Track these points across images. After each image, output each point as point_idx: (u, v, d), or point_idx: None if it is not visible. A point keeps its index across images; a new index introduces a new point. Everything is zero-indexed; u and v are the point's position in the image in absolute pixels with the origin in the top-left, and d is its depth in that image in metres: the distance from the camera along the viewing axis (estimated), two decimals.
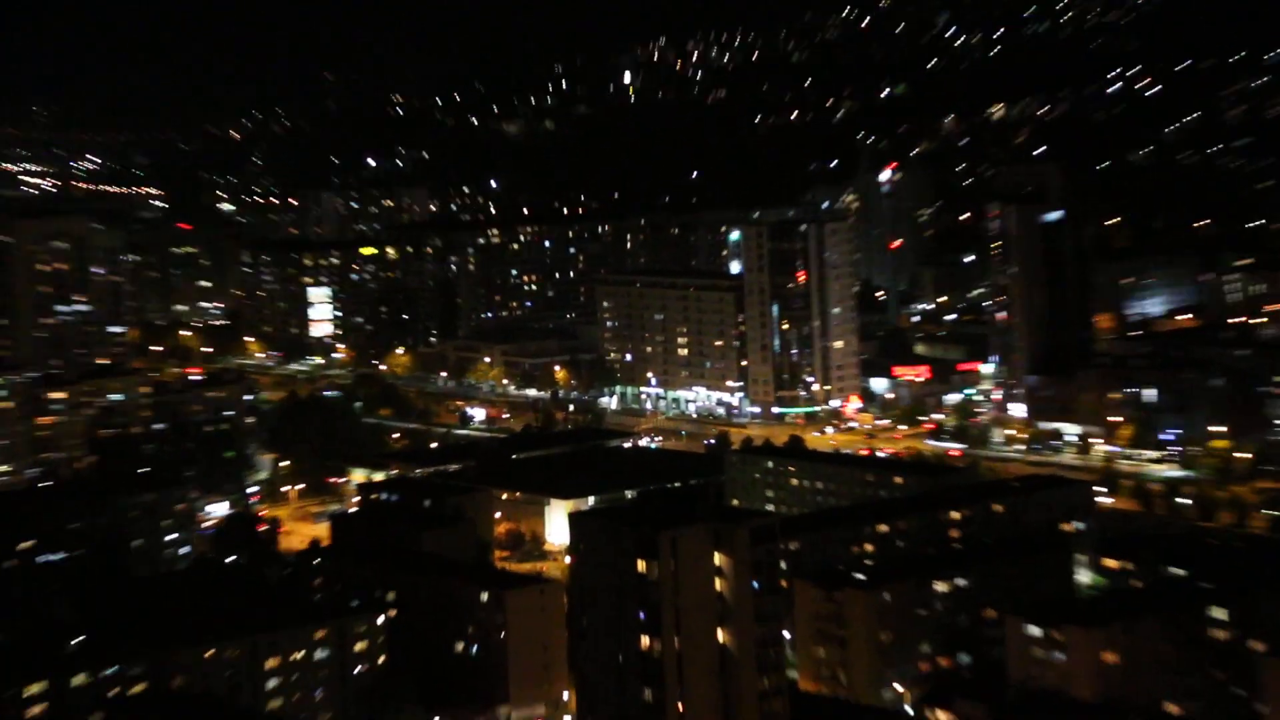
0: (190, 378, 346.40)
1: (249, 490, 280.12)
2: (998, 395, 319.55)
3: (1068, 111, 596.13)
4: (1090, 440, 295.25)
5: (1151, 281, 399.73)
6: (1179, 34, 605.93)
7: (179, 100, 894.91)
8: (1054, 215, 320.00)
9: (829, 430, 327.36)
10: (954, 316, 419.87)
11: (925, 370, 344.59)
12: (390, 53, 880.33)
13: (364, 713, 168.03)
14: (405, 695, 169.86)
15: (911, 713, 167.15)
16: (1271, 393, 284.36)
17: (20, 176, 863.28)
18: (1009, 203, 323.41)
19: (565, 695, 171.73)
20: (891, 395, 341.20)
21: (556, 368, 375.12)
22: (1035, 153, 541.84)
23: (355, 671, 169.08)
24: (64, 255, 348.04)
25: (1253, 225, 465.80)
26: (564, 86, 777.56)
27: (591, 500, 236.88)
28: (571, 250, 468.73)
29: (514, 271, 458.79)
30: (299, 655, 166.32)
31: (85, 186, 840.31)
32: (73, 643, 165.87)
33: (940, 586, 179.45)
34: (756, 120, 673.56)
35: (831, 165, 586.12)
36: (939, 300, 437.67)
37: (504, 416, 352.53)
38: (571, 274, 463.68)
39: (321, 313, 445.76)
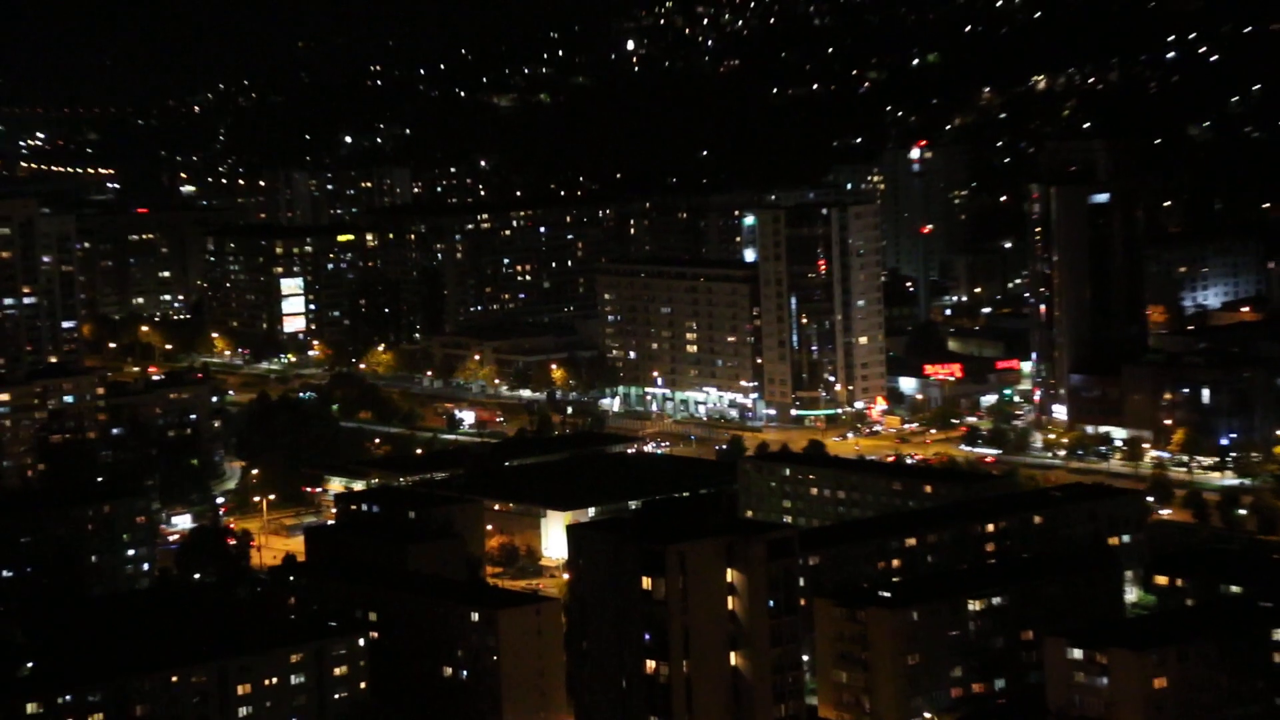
0: (150, 377, 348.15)
1: (216, 501, 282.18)
2: (1038, 396, 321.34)
3: (1118, 81, 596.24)
4: (1140, 445, 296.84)
5: (1209, 270, 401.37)
6: None
7: (135, 71, 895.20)
8: (1101, 197, 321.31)
9: (852, 435, 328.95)
10: (990, 309, 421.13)
11: (958, 369, 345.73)
12: (368, 19, 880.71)
13: None
14: None
15: None
16: None
17: None
18: (1051, 183, 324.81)
19: None
20: (921, 396, 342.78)
21: (553, 366, 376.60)
22: (1082, 128, 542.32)
23: (334, 698, 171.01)
24: (8, 242, 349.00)
25: None
26: (560, 55, 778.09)
27: (592, 511, 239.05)
28: (569, 237, 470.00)
29: (506, 260, 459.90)
30: (273, 681, 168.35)
31: (31, 166, 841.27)
32: (24, 668, 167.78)
33: (974, 605, 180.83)
34: (773, 92, 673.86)
35: (856, 142, 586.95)
36: (974, 291, 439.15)
37: (496, 420, 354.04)
38: (569, 263, 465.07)
39: (294, 306, 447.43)
